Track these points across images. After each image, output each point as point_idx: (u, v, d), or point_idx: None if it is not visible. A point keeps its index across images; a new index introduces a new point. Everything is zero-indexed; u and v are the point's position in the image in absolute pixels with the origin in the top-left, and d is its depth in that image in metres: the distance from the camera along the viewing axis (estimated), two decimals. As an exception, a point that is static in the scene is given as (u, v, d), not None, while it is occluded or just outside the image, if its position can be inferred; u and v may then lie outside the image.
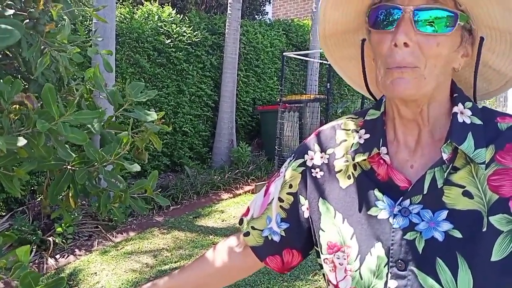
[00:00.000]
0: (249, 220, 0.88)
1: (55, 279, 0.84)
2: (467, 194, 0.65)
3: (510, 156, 0.66)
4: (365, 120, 0.78)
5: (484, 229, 0.63)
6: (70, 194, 1.36)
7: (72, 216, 4.05)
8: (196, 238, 4.12)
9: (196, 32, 6.39)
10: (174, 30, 6.17)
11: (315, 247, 0.81)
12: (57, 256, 3.72)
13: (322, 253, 0.76)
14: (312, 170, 0.81)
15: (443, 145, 0.67)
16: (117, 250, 3.90)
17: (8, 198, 4.22)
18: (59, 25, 1.19)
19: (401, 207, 0.68)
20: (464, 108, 0.70)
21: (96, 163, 1.20)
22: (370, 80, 0.79)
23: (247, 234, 0.87)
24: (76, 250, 3.86)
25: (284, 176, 0.85)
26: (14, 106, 0.87)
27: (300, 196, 0.82)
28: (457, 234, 0.64)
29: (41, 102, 0.90)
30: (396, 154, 0.73)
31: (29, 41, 1.07)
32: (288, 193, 0.83)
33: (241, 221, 0.90)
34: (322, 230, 0.76)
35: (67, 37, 1.34)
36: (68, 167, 1.18)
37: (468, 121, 0.69)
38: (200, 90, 6.50)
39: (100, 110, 1.28)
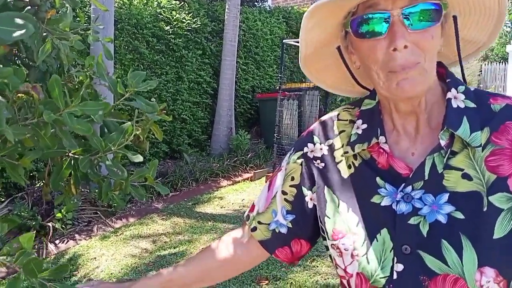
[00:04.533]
0: (255, 216, 0.89)
1: (59, 266, 0.85)
2: (466, 176, 0.68)
3: (505, 137, 0.68)
4: (361, 110, 0.80)
5: (485, 209, 0.66)
6: (71, 181, 1.38)
7: (72, 202, 4.08)
8: (195, 224, 4.15)
9: (195, 19, 6.35)
10: (174, 17, 6.13)
11: (322, 233, 0.83)
12: (57, 242, 3.75)
13: (328, 239, 0.79)
14: (314, 161, 0.83)
15: (440, 132, 0.69)
16: (117, 235, 3.93)
17: (7, 183, 4.24)
18: (60, 12, 1.19)
19: (404, 193, 0.70)
20: (458, 92, 0.71)
21: (99, 152, 1.21)
22: (358, 76, 0.82)
23: (254, 229, 0.88)
24: (76, 235, 3.90)
25: (286, 169, 0.86)
26: (18, 95, 0.88)
27: (302, 187, 0.84)
28: (459, 215, 0.66)
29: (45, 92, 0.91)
30: (398, 143, 0.75)
31: (31, 28, 1.07)
32: (290, 186, 0.85)
33: (247, 218, 0.91)
34: (328, 217, 0.78)
35: (69, 24, 1.34)
36: (70, 154, 1.19)
37: (462, 105, 0.70)
38: (199, 77, 6.49)
39: (104, 101, 1.29)
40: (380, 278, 0.70)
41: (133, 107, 1.37)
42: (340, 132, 0.81)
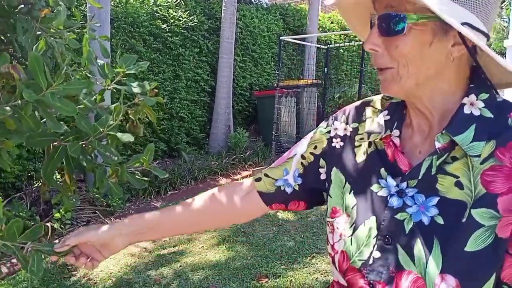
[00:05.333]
0: (265, 170, 0.94)
1: (33, 228, 0.86)
2: (458, 184, 0.68)
3: (510, 154, 0.67)
4: (391, 102, 0.82)
5: (464, 220, 0.66)
6: (65, 171, 1.35)
7: (71, 201, 4.07)
8: (194, 223, 4.15)
9: (192, 17, 6.33)
10: (170, 15, 6.11)
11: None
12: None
13: (326, 216, 0.84)
14: (334, 139, 0.87)
15: (438, 134, 0.69)
16: (116, 235, 3.93)
17: (5, 184, 4.22)
18: (55, 10, 1.17)
19: (399, 189, 0.73)
20: (477, 99, 0.70)
21: (90, 137, 1.19)
22: None
23: (258, 179, 0.93)
24: (75, 235, 3.89)
25: (311, 138, 0.91)
26: (2, 80, 0.86)
27: (321, 159, 0.88)
28: (440, 220, 0.68)
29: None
30: (411, 139, 0.77)
31: (25, 26, 1.06)
32: (310, 153, 0.89)
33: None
34: (330, 196, 0.84)
35: (63, 22, 1.32)
36: (62, 143, 1.17)
37: (476, 112, 0.69)
38: (197, 75, 6.47)
39: (88, 80, 1.26)
40: (358, 260, 0.74)
41: (128, 94, 1.35)
42: (367, 118, 0.84)
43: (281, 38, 5.70)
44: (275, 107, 5.56)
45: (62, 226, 3.87)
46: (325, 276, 3.02)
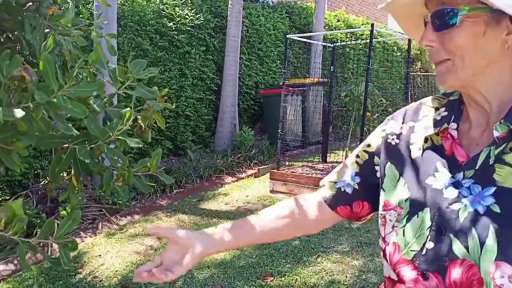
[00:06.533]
0: (328, 176, 0.98)
1: (47, 223, 0.86)
2: None
3: None
4: (448, 100, 0.85)
5: None
6: (73, 172, 1.35)
7: (78, 199, 4.08)
8: (199, 221, 4.15)
9: (198, 15, 6.33)
10: (177, 13, 6.11)
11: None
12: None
13: (379, 209, 0.87)
14: (389, 136, 0.89)
15: (497, 123, 0.71)
16: (122, 233, 3.93)
17: (12, 181, 4.24)
18: (62, 8, 1.17)
19: (454, 180, 0.75)
20: None
21: (98, 140, 1.19)
22: None
23: (322, 185, 0.97)
24: (81, 233, 3.90)
25: (367, 139, 0.95)
26: (14, 81, 0.86)
27: (375, 156, 0.91)
28: (496, 209, 0.69)
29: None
30: (468, 133, 0.79)
31: (33, 24, 1.06)
32: (364, 151, 0.93)
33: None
34: (383, 190, 0.86)
35: (71, 20, 1.32)
36: (71, 145, 1.17)
37: None
38: (203, 74, 6.47)
39: (99, 82, 1.26)
40: (411, 251, 0.76)
41: (137, 99, 1.34)
42: (423, 117, 0.86)
43: (287, 36, 5.68)
44: (281, 106, 5.54)
45: (68, 223, 3.89)
46: (331, 275, 3.01)
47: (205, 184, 5.35)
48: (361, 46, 9.30)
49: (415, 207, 0.78)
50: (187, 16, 6.19)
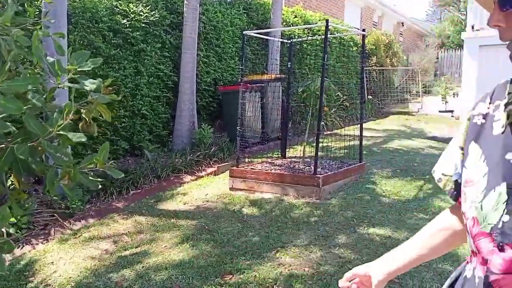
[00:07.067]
0: (439, 168, 1.01)
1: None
2: None
3: None
4: None
5: None
6: (13, 173, 1.29)
7: (27, 205, 3.91)
8: (157, 222, 4.08)
9: (153, 11, 6.20)
10: (131, 10, 5.97)
11: None
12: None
13: (461, 186, 0.90)
14: (475, 116, 0.91)
15: None
16: (75, 238, 3.81)
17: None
18: (6, 7, 1.11)
19: None
20: None
21: (39, 137, 1.13)
22: None
23: (439, 180, 0.99)
24: (32, 239, 3.74)
25: (464, 125, 0.95)
26: None
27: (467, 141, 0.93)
28: None
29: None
30: None
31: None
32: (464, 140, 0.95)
33: (433, 171, 1.02)
34: (465, 168, 0.89)
35: (11, 19, 1.25)
36: (9, 145, 1.11)
37: None
38: (159, 71, 6.35)
39: (33, 76, 1.20)
40: (488, 224, 0.79)
41: (82, 92, 1.29)
42: (508, 94, 0.86)
43: (244, 32, 5.65)
44: (239, 103, 5.52)
45: (18, 231, 3.73)
46: (289, 270, 3.03)
47: (163, 184, 5.26)
48: (318, 42, 9.42)
49: (492, 182, 0.80)
50: (142, 13, 6.06)
